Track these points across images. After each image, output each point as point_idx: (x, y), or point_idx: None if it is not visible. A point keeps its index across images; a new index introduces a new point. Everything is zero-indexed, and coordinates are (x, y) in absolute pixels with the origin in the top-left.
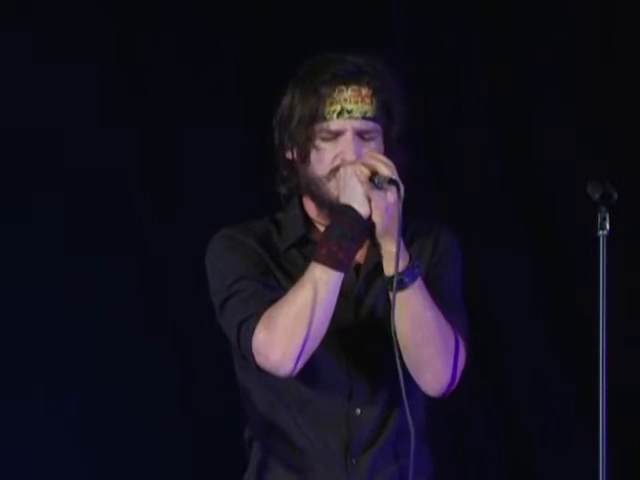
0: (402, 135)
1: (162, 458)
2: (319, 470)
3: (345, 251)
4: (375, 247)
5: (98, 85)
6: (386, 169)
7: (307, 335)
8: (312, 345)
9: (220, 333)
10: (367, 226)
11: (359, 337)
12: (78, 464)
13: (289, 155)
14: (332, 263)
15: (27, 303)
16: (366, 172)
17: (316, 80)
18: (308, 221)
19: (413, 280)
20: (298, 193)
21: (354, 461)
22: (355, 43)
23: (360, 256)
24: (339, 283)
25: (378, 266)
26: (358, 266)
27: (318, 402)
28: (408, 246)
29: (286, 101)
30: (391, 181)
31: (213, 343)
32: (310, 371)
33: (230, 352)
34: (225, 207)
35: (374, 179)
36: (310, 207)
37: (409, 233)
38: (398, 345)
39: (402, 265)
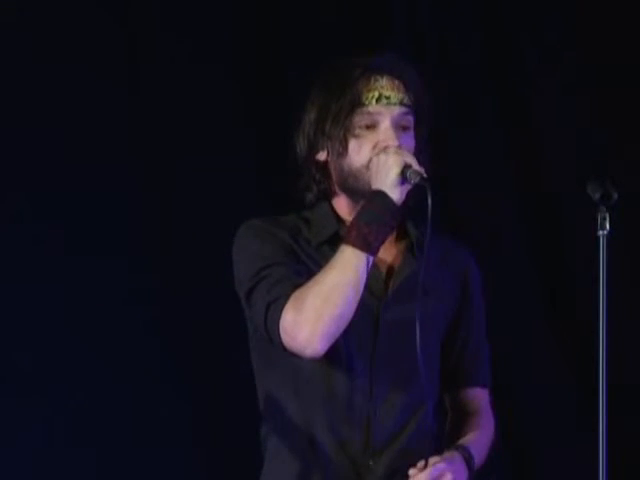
0: (429, 136)
1: (162, 458)
2: (336, 469)
3: (375, 234)
4: (413, 256)
5: (98, 85)
6: (417, 165)
7: (335, 316)
8: (340, 326)
9: (222, 334)
10: (398, 212)
11: (384, 341)
12: (78, 464)
13: (321, 156)
14: (362, 246)
15: (27, 303)
16: (400, 162)
17: (349, 75)
18: (339, 219)
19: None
20: (326, 196)
21: (371, 462)
22: (355, 43)
23: (393, 258)
24: (368, 266)
25: (413, 275)
26: (390, 269)
27: (339, 401)
28: (438, 267)
29: (314, 105)
30: (422, 179)
31: (213, 343)
32: (333, 370)
33: (248, 349)
34: (224, 207)
35: (406, 172)
36: (341, 206)
37: (439, 253)
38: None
39: (466, 477)
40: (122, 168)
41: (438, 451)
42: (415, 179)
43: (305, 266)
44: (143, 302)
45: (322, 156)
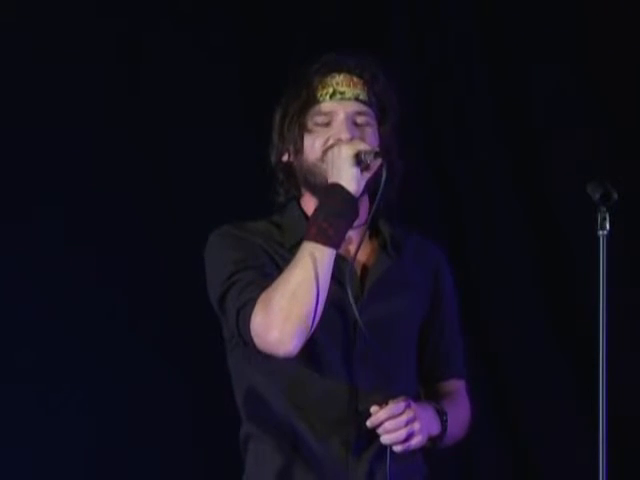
0: (398, 133)
1: (162, 458)
2: (319, 467)
3: (334, 227)
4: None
5: (99, 85)
6: (368, 146)
7: (303, 314)
8: (309, 323)
9: (219, 332)
10: (356, 203)
11: (362, 340)
12: (78, 464)
13: (285, 157)
14: (322, 240)
15: (27, 303)
16: (352, 150)
17: (307, 73)
18: (308, 220)
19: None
20: (296, 196)
21: (354, 459)
22: (355, 43)
23: (367, 257)
24: (332, 260)
25: (387, 273)
26: (365, 268)
27: (320, 401)
28: (412, 262)
29: (277, 109)
30: (376, 154)
31: (213, 342)
32: (315, 369)
33: (226, 350)
34: (224, 207)
35: (360, 156)
36: (309, 206)
37: (412, 248)
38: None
39: (439, 429)
40: (122, 167)
41: (421, 448)
42: (370, 158)
43: (279, 269)
44: (143, 302)
45: (286, 156)
